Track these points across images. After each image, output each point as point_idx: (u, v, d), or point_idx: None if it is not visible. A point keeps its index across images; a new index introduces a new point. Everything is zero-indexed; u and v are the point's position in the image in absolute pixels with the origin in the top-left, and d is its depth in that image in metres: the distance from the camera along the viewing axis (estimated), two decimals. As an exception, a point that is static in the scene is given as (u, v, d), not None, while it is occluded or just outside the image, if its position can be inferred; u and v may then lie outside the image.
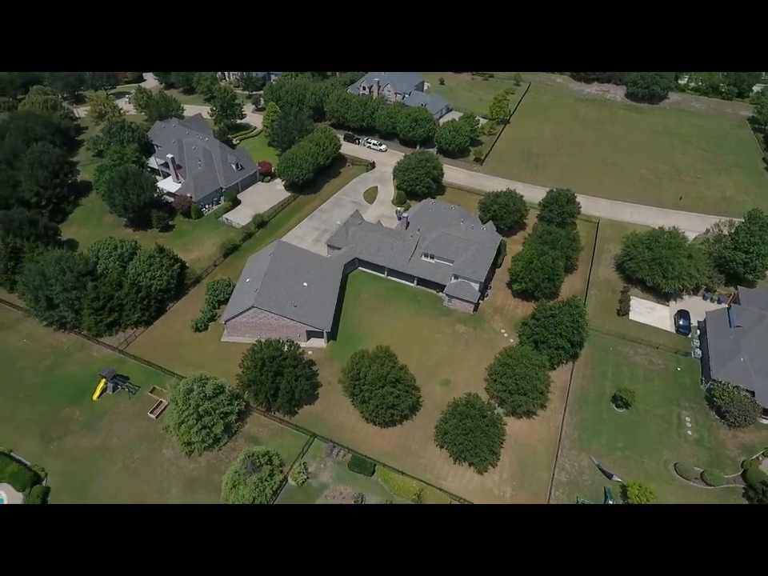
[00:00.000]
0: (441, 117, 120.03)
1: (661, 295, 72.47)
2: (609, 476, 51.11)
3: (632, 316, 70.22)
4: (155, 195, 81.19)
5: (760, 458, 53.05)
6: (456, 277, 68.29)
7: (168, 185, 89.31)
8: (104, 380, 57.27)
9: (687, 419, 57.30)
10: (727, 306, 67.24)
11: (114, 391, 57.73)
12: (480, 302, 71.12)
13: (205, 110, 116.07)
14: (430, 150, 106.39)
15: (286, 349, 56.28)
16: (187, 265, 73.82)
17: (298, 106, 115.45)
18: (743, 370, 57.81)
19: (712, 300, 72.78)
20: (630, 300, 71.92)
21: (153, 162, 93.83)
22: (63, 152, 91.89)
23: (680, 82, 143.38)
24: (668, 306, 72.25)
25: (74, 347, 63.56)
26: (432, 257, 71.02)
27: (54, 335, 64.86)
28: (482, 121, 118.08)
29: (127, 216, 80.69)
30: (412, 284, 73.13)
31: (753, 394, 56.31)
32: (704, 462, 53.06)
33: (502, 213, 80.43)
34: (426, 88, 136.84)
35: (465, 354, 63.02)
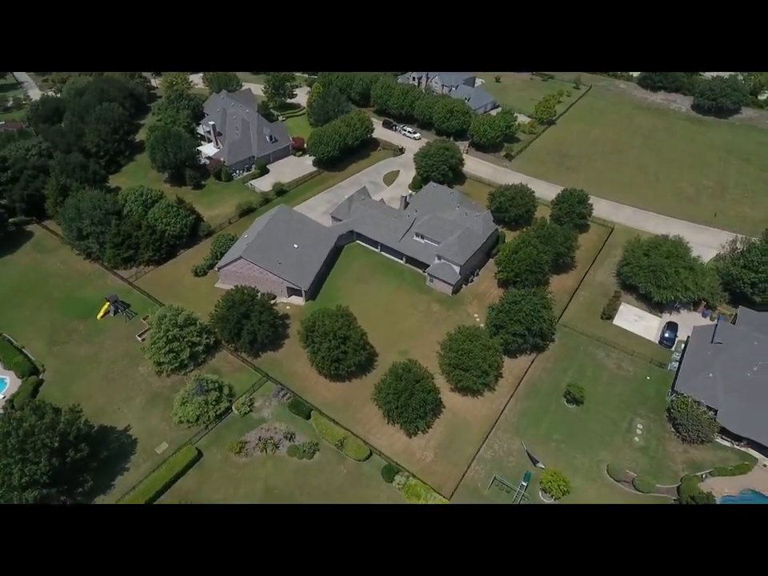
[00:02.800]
0: (485, 112, 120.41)
1: (655, 306, 69.72)
2: (534, 462, 51.43)
3: (617, 321, 68.34)
4: (192, 155, 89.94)
5: (703, 476, 50.65)
6: (439, 258, 70.25)
7: (208, 149, 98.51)
8: (108, 303, 65.94)
9: (639, 426, 55.67)
10: (716, 322, 63.63)
11: (114, 314, 66.29)
12: (463, 286, 72.55)
13: (262, 88, 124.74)
14: (464, 142, 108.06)
15: (258, 297, 61.62)
16: (204, 219, 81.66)
17: (346, 90, 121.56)
18: (710, 386, 55.07)
19: (711, 318, 68.80)
20: (618, 305, 69.96)
21: (201, 129, 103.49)
22: (127, 113, 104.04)
23: (760, 97, 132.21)
24: (659, 317, 69.36)
25: (94, 274, 73.40)
26: (422, 237, 73.43)
27: (81, 262, 75.19)
28: (523, 119, 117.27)
29: (166, 172, 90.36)
30: (401, 261, 75.97)
31: (716, 412, 53.66)
32: (642, 468, 51.64)
33: (507, 205, 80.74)
34: (477, 84, 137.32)
35: (431, 330, 65.04)
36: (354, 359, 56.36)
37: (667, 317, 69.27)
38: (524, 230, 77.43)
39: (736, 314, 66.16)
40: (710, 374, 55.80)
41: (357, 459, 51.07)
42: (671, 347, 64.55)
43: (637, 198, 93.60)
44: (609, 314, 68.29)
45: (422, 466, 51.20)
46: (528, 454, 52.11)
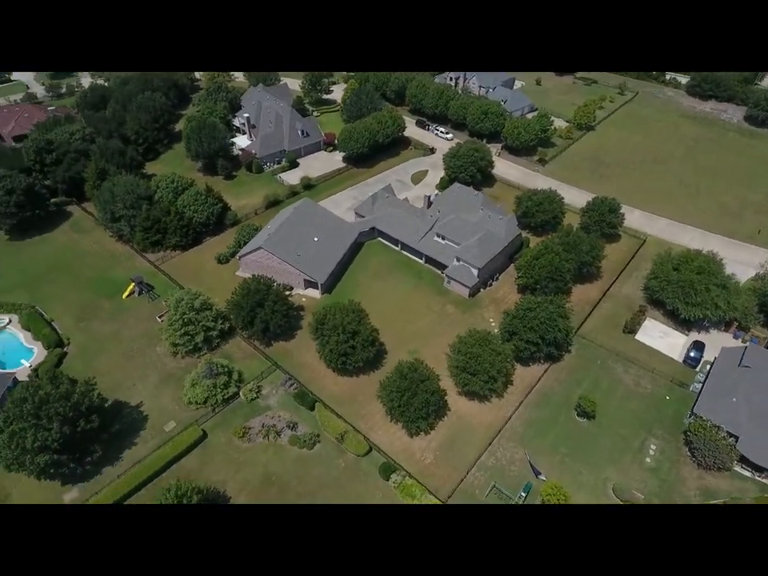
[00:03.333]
0: (521, 115, 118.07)
1: (682, 323, 66.66)
2: (536, 473, 50.13)
3: (639, 336, 65.75)
4: (225, 146, 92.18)
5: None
6: (458, 259, 69.43)
7: (242, 141, 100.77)
8: (133, 284, 68.46)
9: (652, 447, 53.39)
10: (746, 345, 60.24)
11: (139, 295, 68.74)
12: (481, 290, 71.49)
13: (299, 83, 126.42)
14: (497, 144, 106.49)
15: (274, 287, 62.56)
16: (231, 208, 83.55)
17: (381, 88, 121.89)
18: (733, 411, 52.23)
19: (743, 340, 65.15)
20: (642, 320, 67.31)
21: (237, 121, 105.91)
22: (169, 103, 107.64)
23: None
24: (686, 335, 66.26)
25: (124, 255, 76.36)
26: (443, 237, 72.76)
27: (114, 244, 78.36)
28: (561, 123, 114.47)
29: (200, 161, 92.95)
30: (421, 261, 75.50)
31: (737, 439, 50.87)
32: (651, 491, 49.53)
33: (534, 210, 79.00)
34: (517, 86, 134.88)
35: (444, 332, 64.31)
36: (362, 355, 56.42)
37: (694, 335, 66.11)
38: (549, 236, 75.55)
39: (770, 337, 62.55)
40: (734, 399, 52.92)
41: (356, 454, 51.13)
42: (696, 367, 61.59)
43: (674, 211, 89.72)
44: (631, 329, 65.76)
45: (421, 467, 50.76)
46: (531, 464, 50.84)
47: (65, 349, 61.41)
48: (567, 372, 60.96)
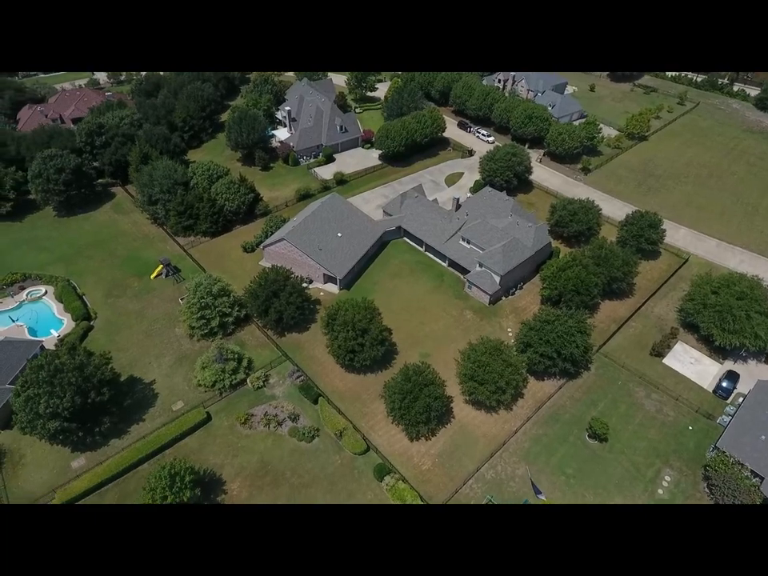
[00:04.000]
0: (570, 121, 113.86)
1: (716, 350, 62.17)
2: (537, 492, 48.02)
3: (667, 360, 61.82)
4: (264, 138, 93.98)
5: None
6: (481, 265, 67.66)
7: (282, 133, 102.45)
8: (161, 266, 70.92)
9: (666, 478, 49.99)
10: (786, 380, 55.39)
11: (166, 276, 71.14)
12: (503, 298, 69.41)
13: (345, 79, 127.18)
14: (540, 150, 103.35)
15: (292, 278, 63.09)
16: (263, 198, 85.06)
17: (426, 88, 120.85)
18: (761, 449, 48.17)
19: (785, 375, 60.02)
20: (672, 343, 63.28)
21: (279, 114, 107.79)
22: (218, 93, 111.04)
23: None
24: (720, 363, 61.73)
25: (157, 238, 79.29)
26: (468, 241, 71.11)
27: (149, 226, 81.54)
28: (610, 131, 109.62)
29: (240, 151, 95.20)
30: (444, 264, 74.15)
31: (762, 480, 46.88)
32: (659, 525, 46.30)
33: (568, 220, 75.90)
34: (569, 91, 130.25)
35: (458, 337, 62.84)
36: (370, 353, 55.91)
37: (729, 365, 61.48)
38: (581, 247, 72.37)
39: (816, 375, 57.27)
40: (763, 437, 48.75)
41: (353, 452, 50.74)
42: (727, 399, 57.24)
43: (726, 230, 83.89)
44: (659, 351, 61.91)
45: (417, 473, 49.76)
46: (531, 482, 48.75)
47: (91, 322, 64.37)
48: (583, 390, 58.12)
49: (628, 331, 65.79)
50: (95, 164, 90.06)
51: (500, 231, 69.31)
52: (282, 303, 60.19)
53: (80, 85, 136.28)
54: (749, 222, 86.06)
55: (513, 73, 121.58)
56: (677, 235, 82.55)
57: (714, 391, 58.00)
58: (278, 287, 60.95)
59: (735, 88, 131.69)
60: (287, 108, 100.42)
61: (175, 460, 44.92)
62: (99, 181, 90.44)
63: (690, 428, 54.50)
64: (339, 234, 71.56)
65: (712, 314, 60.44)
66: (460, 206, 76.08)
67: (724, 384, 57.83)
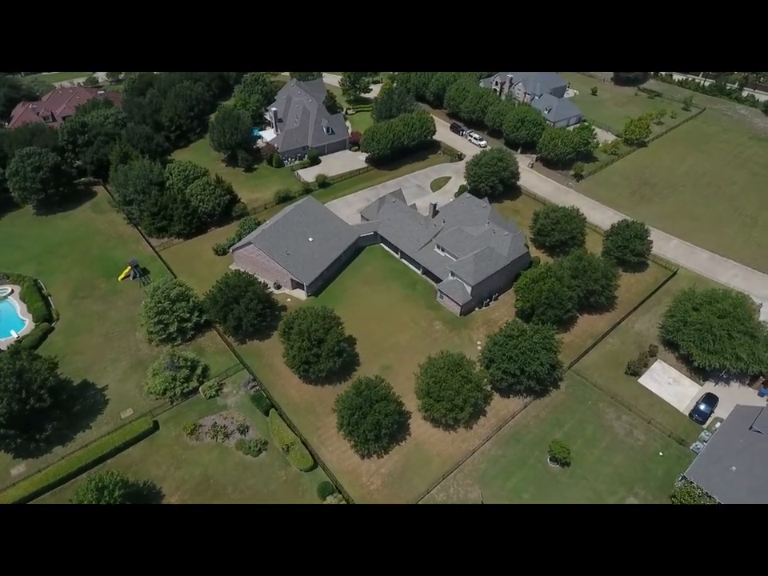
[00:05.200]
0: (567, 126, 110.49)
1: (697, 371, 58.73)
2: (487, 519, 45.38)
3: (644, 380, 58.61)
4: (248, 138, 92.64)
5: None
6: (452, 274, 65.17)
7: (269, 134, 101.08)
8: (129, 267, 69.86)
9: (629, 508, 46.94)
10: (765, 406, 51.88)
11: (133, 278, 70.05)
12: (476, 309, 66.79)
13: (338, 80, 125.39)
14: (532, 155, 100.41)
15: (256, 283, 61.37)
16: (241, 200, 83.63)
17: (421, 90, 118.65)
18: (729, 482, 44.87)
19: (769, 399, 56.40)
20: (650, 362, 60.03)
21: (268, 115, 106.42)
22: (208, 92, 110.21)
23: None
24: (700, 385, 58.31)
25: (131, 238, 78.39)
26: (443, 249, 68.69)
27: (124, 226, 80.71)
28: (609, 137, 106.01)
29: (223, 152, 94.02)
30: (418, 271, 71.80)
31: (731, 515, 43.54)
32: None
33: (550, 228, 72.92)
34: (570, 95, 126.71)
35: (424, 350, 60.22)
36: (326, 365, 53.89)
37: (710, 386, 58.04)
38: (559, 258, 69.42)
39: (801, 401, 53.60)
40: (734, 468, 45.44)
41: (299, 468, 48.76)
42: (703, 423, 53.90)
43: (720, 242, 79.91)
44: (635, 370, 58.71)
45: (364, 493, 47.57)
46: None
47: (52, 324, 63.49)
48: (550, 410, 55.28)
49: (605, 347, 62.65)
50: (78, 163, 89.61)
51: (475, 239, 66.74)
52: (241, 309, 58.51)
53: (78, 83, 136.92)
54: (746, 234, 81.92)
55: (510, 75, 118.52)
56: (667, 246, 78.95)
57: (691, 415, 54.68)
58: (239, 293, 59.27)
59: (744, 93, 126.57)
60: (273, 109, 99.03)
61: (105, 472, 43.43)
62: (82, 180, 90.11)
63: (661, 454, 51.32)
64: (310, 239, 69.72)
65: (692, 332, 57.10)
66: (437, 212, 73.64)
67: (701, 407, 54.49)
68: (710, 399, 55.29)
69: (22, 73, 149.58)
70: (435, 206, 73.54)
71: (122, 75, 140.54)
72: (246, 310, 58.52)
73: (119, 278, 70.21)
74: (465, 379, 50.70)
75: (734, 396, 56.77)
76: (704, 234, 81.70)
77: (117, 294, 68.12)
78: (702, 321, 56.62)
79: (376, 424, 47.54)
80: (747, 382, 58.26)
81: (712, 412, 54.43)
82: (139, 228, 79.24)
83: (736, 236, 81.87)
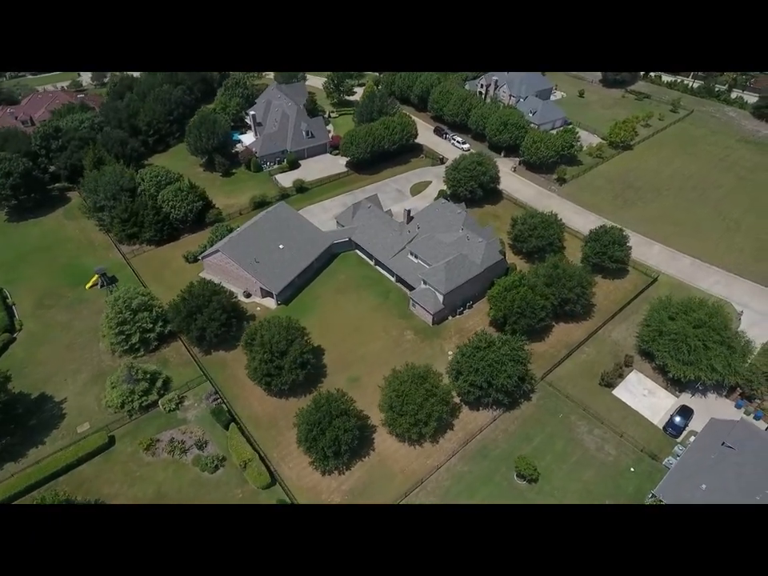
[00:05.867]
0: (552, 129, 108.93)
1: (674, 382, 57.13)
2: (448, 539, 43.79)
3: (618, 391, 57.04)
4: (225, 143, 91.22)
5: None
6: (425, 282, 63.64)
7: (249, 138, 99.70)
8: (96, 275, 68.39)
9: (597, 527, 45.27)
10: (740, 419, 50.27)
11: (101, 287, 68.55)
12: (450, 317, 65.25)
13: (322, 83, 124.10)
14: (515, 158, 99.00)
15: (223, 293, 59.86)
16: (216, 206, 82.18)
17: (406, 92, 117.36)
18: (698, 500, 43.22)
19: (747, 412, 54.74)
20: (625, 373, 58.47)
21: (248, 119, 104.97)
22: (190, 96, 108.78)
23: None
24: (676, 397, 56.74)
25: (101, 246, 76.93)
26: (416, 256, 67.20)
27: (96, 233, 79.22)
28: (594, 140, 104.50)
29: (200, 156, 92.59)
30: (392, 279, 70.27)
31: (700, 535, 41.91)
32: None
33: (527, 235, 71.41)
34: (557, 97, 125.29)
35: (393, 360, 58.47)
36: (289, 377, 52.38)
37: (686, 398, 56.46)
38: (535, 265, 67.93)
39: (778, 414, 51.99)
40: (703, 486, 43.84)
41: (256, 486, 47.18)
42: (677, 437, 52.35)
43: (703, 248, 78.32)
44: (609, 381, 57.14)
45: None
46: (445, 527, 44.54)
47: (15, 334, 62.01)
48: (520, 423, 53.71)
49: (580, 357, 61.10)
50: (52, 168, 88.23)
51: (447, 246, 65.25)
52: (204, 319, 57.00)
53: (62, 87, 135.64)
54: (729, 240, 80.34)
55: (495, 77, 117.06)
56: (650, 252, 77.42)
57: (665, 428, 53.08)
58: (203, 302, 57.76)
59: (733, 95, 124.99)
60: (251, 112, 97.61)
61: (49, 492, 41.91)
62: (56, 185, 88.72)
63: (632, 470, 49.72)
64: (281, 246, 68.23)
65: (667, 342, 55.56)
66: (412, 218, 72.14)
67: (675, 420, 52.90)
68: (685, 412, 53.71)
69: (6, 75, 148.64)
70: (410, 212, 72.04)
71: (106, 78, 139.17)
72: (209, 320, 57.02)
73: (87, 287, 68.72)
74: (429, 393, 49.16)
75: (710, 408, 55.19)
76: (687, 239, 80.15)
77: (83, 303, 66.62)
78: (677, 331, 55.09)
79: (335, 440, 45.98)
80: (725, 394, 56.69)
81: (687, 425, 52.84)
82: (110, 235, 77.77)
83: (719, 241, 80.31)
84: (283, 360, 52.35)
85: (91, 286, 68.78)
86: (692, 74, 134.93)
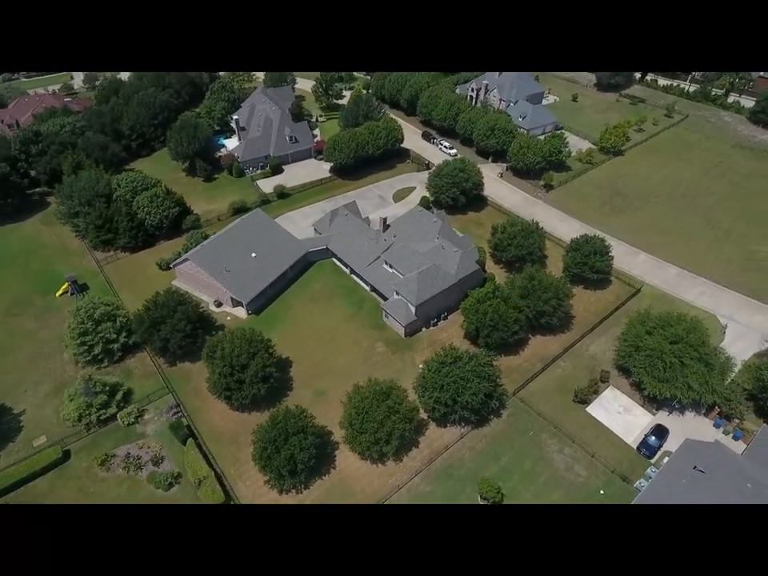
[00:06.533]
0: (543, 134, 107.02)
1: (650, 399, 55.15)
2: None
3: (592, 408, 55.18)
4: (206, 147, 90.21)
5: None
6: (397, 293, 62.09)
7: (233, 143, 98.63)
8: (67, 283, 67.43)
9: (561, 553, 43.50)
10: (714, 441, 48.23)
11: (71, 294, 67.58)
12: (424, 329, 63.64)
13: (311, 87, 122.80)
14: (502, 164, 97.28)
15: (190, 303, 58.64)
16: (194, 212, 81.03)
17: (395, 96, 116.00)
18: (667, 527, 41.27)
19: (725, 432, 52.68)
20: (601, 389, 56.62)
21: (233, 123, 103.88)
22: (177, 100, 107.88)
23: None
24: (653, 415, 54.77)
25: (76, 252, 76.07)
26: (391, 266, 65.67)
27: (72, 239, 78.40)
28: (585, 145, 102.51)
29: (181, 161, 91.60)
30: (367, 288, 68.77)
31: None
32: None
33: (506, 244, 69.67)
34: (549, 101, 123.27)
35: (362, 373, 56.93)
36: (249, 392, 51.01)
37: (663, 416, 54.48)
38: (512, 275, 66.23)
39: (756, 433, 49.91)
40: (671, 512, 41.84)
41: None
42: (651, 458, 50.38)
43: (690, 257, 76.10)
44: (583, 398, 55.28)
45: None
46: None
47: (-21, 343, 61.13)
48: (488, 441, 52.00)
49: (555, 372, 59.25)
50: (32, 173, 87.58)
51: (421, 256, 63.66)
52: (168, 330, 55.78)
53: (53, 90, 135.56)
54: (717, 249, 78.08)
55: (485, 81, 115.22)
56: (634, 262, 75.37)
57: (638, 448, 51.15)
58: (167, 312, 56.55)
59: (730, 99, 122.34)
60: (235, 117, 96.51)
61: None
62: (36, 190, 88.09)
63: (602, 492, 47.87)
64: (253, 254, 66.93)
65: (643, 358, 53.64)
66: (388, 226, 70.63)
67: (649, 440, 50.95)
68: (660, 431, 51.76)
69: (0, 78, 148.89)
70: (385, 219, 70.52)
71: (98, 81, 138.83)
72: (172, 330, 55.78)
73: (57, 294, 67.82)
74: (391, 410, 47.55)
75: (688, 427, 53.20)
76: (674, 248, 77.97)
77: (52, 311, 65.65)
78: (653, 346, 53.16)
79: (290, 459, 44.55)
80: (703, 412, 54.63)
81: (661, 445, 50.88)
82: (86, 241, 76.86)
83: (707, 251, 78.09)
84: (244, 374, 50.99)
85: (62, 294, 67.85)
86: (689, 77, 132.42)
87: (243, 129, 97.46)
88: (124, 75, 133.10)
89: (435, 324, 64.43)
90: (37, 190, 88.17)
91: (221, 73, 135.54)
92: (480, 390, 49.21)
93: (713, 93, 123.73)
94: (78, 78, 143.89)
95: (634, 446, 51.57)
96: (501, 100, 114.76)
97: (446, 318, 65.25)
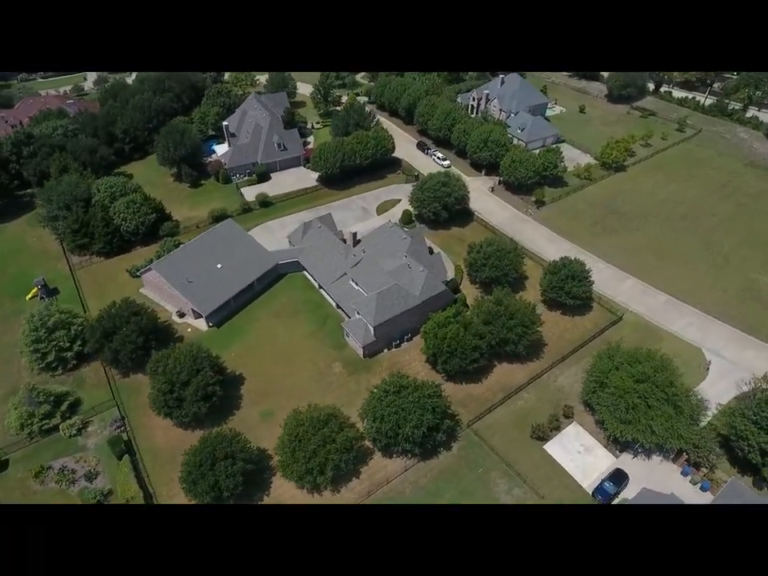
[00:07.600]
0: (543, 146, 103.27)
1: (615, 439, 51.53)
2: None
3: (550, 446, 51.94)
4: (194, 153, 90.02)
5: None
6: (358, 312, 60.04)
7: (222, 149, 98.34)
8: (36, 287, 67.79)
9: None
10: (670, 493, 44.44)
11: (41, 299, 67.85)
12: (385, 350, 61.41)
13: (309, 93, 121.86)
14: (495, 178, 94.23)
15: (142, 314, 57.98)
16: (174, 218, 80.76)
17: (394, 104, 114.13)
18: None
19: (693, 481, 48.70)
20: (563, 425, 53.34)
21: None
22: (176, 104, 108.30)
23: None
24: (615, 457, 51.17)
25: (54, 256, 76.59)
26: (356, 283, 63.71)
27: (51, 242, 79.02)
28: (587, 160, 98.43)
29: (168, 166, 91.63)
30: (333, 305, 66.94)
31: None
32: None
33: (480, 264, 66.79)
34: (555, 112, 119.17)
35: (315, 394, 55.34)
36: (190, 410, 49.81)
37: (627, 459, 50.83)
38: (480, 298, 63.39)
39: (725, 484, 45.88)
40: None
41: (135, 527, 44.64)
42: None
43: (682, 284, 71.54)
44: (541, 434, 52.07)
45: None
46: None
47: (-56, 345, 61.82)
48: (433, 476, 49.40)
49: (516, 404, 56.15)
50: (24, 174, 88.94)
51: (386, 274, 61.51)
52: (118, 341, 55.11)
53: (65, 91, 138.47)
54: (713, 276, 73.27)
55: (486, 91, 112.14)
56: (621, 287, 71.35)
57: (594, 494, 47.73)
58: (120, 323, 55.93)
59: (748, 114, 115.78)
60: (225, 123, 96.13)
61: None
62: (27, 191, 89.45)
63: (547, 539, 44.65)
64: (219, 266, 65.97)
65: (607, 396, 50.19)
66: (359, 241, 68.63)
67: (605, 486, 47.47)
68: (618, 477, 48.19)
69: (18, 78, 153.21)
70: (356, 234, 68.51)
71: (108, 83, 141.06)
72: (123, 342, 55.08)
73: (27, 298, 68.23)
74: (327, 439, 45.55)
75: (653, 474, 49.46)
76: (666, 273, 73.54)
77: (19, 315, 65.67)
78: (617, 384, 49.66)
79: (214, 485, 43.03)
80: (672, 457, 50.71)
81: (618, 492, 47.34)
82: (64, 245, 77.39)
83: (703, 277, 73.37)
84: (185, 391, 49.82)
85: (31, 298, 68.23)
86: (707, 89, 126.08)
87: (233, 135, 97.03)
88: (130, 78, 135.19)
89: (398, 345, 62.10)
90: (27, 191, 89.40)
91: (225, 77, 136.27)
92: (423, 422, 46.68)
93: (730, 107, 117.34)
94: (90, 80, 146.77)
95: (590, 491, 48.17)
96: (501, 110, 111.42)
97: (410, 339, 62.84)
